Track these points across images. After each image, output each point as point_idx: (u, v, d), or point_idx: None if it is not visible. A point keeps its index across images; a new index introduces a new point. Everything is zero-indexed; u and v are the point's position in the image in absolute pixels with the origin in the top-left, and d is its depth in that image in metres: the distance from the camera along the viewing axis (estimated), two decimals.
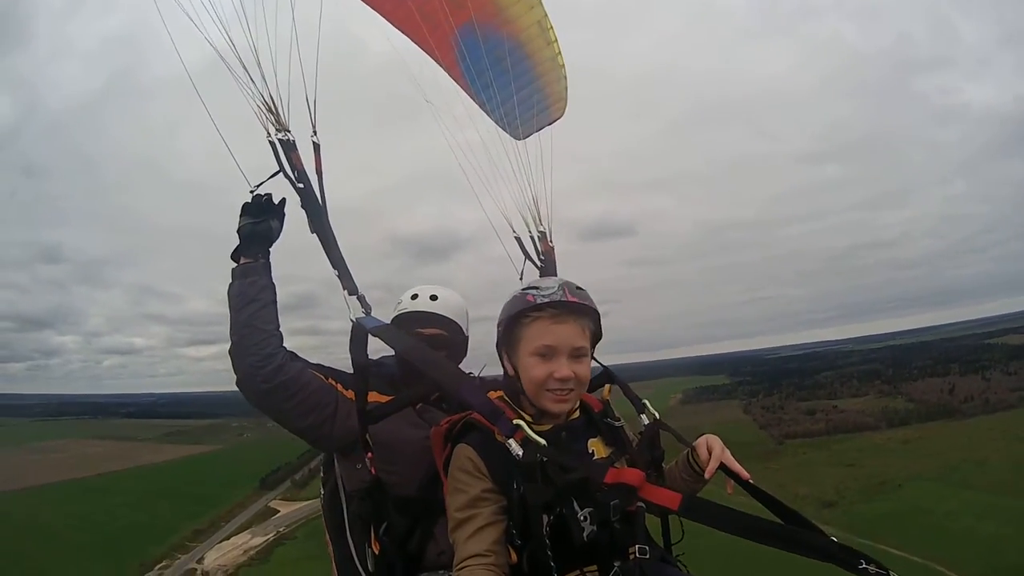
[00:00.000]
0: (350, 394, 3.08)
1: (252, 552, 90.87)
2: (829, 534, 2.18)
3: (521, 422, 2.35)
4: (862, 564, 2.05)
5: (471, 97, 4.58)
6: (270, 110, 3.29)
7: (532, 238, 4.38)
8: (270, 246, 3.14)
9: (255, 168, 3.27)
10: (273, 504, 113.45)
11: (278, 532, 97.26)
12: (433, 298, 3.39)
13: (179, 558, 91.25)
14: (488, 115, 4.56)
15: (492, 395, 2.63)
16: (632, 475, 2.25)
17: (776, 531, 2.13)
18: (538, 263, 4.34)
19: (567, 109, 5.03)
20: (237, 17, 3.20)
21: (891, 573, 2.04)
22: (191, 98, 3.36)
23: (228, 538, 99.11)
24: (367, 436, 2.89)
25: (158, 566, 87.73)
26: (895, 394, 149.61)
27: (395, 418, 2.98)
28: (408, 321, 3.32)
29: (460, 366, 3.36)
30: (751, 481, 2.44)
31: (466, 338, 3.55)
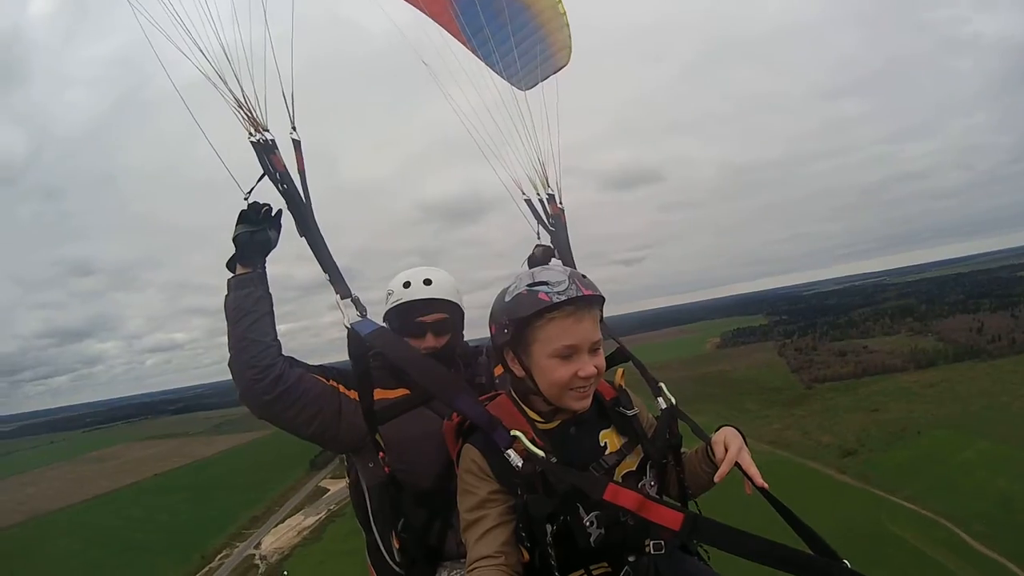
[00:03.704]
0: (352, 394, 3.03)
1: (306, 532, 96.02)
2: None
3: (519, 433, 2.26)
4: None
5: (473, 53, 4.37)
6: (248, 111, 3.08)
7: (541, 201, 4.13)
8: (267, 255, 3.05)
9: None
10: (323, 484, 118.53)
11: (329, 511, 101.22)
12: (427, 282, 3.23)
13: (238, 546, 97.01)
14: (491, 68, 4.35)
15: (499, 400, 2.56)
16: (628, 498, 2.11)
17: (785, 556, 2.00)
18: (548, 228, 4.09)
19: (579, 62, 4.83)
20: (210, 19, 3.01)
21: None
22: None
23: (283, 521, 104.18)
24: (377, 437, 2.86)
25: (219, 556, 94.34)
26: (926, 332, 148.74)
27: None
28: (408, 311, 3.19)
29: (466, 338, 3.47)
30: (767, 487, 2.30)
31: (464, 312, 3.43)
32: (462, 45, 4.45)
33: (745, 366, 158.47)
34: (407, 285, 3.24)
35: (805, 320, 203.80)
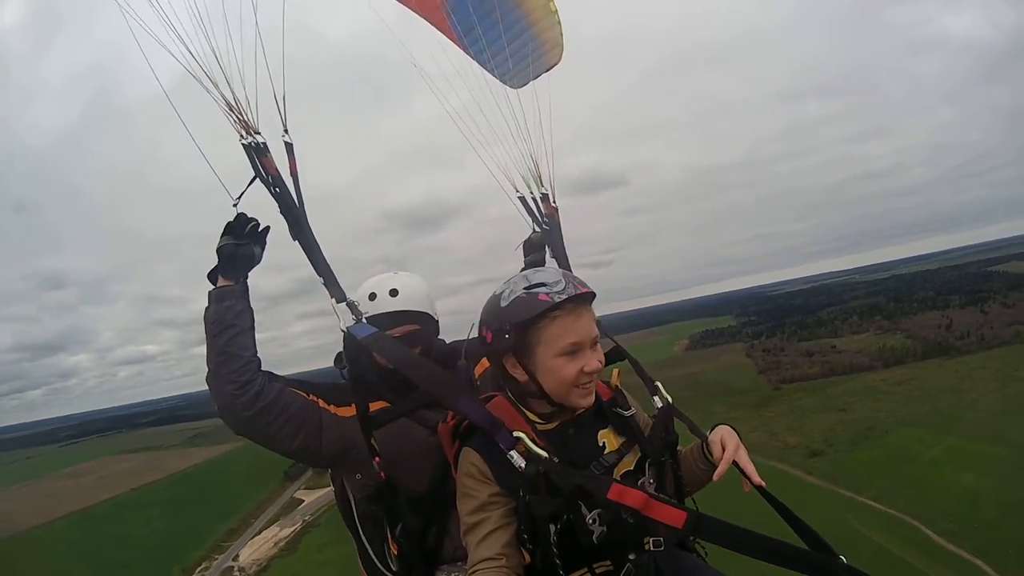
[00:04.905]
0: (333, 408, 3.03)
1: (282, 543, 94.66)
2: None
3: (521, 434, 2.29)
4: None
5: (464, 51, 4.38)
6: (239, 114, 3.04)
7: (535, 199, 4.16)
8: (249, 271, 2.98)
9: (241, 169, 3.11)
10: (298, 495, 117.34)
11: (304, 521, 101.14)
12: (393, 293, 3.13)
13: (216, 559, 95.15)
14: (483, 67, 4.36)
15: (496, 401, 2.53)
16: (634, 497, 2.16)
17: (783, 551, 2.08)
18: (543, 226, 4.09)
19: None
20: (199, 22, 3.01)
21: None
22: (169, 111, 3.24)
23: (259, 533, 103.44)
24: (373, 441, 2.80)
25: (198, 569, 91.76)
26: (894, 331, 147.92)
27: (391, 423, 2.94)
28: (375, 325, 2.96)
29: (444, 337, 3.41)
30: (764, 486, 2.37)
31: (437, 320, 3.34)
32: (453, 43, 4.42)
33: (713, 368, 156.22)
34: (372, 297, 3.15)
35: (773, 320, 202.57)
